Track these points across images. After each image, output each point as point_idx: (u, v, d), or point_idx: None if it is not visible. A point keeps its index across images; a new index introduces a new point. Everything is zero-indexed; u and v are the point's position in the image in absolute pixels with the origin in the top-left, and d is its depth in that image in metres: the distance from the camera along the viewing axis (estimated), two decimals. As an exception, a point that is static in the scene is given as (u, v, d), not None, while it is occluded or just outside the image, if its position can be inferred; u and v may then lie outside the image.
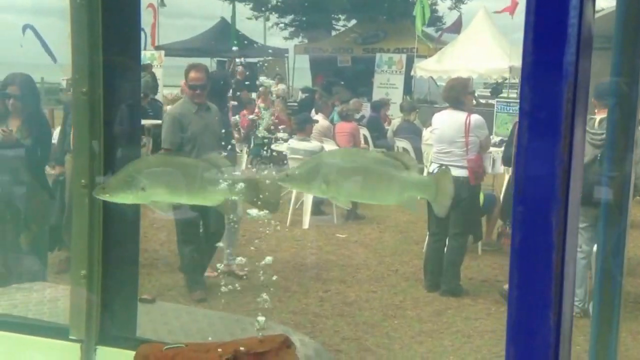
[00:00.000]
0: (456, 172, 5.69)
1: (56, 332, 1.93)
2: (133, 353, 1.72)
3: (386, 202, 1.79)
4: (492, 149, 8.04)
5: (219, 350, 1.43)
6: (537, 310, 0.87)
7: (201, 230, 5.53)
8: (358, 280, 6.32)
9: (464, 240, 6.20)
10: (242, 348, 1.45)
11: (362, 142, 10.68)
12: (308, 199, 7.77)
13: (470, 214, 6.26)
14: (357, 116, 11.35)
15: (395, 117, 12.53)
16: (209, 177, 1.78)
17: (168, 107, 7.95)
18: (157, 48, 18.27)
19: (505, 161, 7.35)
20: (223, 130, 5.55)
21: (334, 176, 1.73)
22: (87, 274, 1.81)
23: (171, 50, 18.35)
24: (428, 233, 6.42)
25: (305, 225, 7.79)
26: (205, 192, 1.81)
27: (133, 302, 2.04)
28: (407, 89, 17.87)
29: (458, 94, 6.14)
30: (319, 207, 8.25)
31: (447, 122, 6.05)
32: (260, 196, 1.72)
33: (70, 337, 1.88)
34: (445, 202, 1.73)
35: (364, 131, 11.02)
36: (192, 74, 5.47)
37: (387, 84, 17.66)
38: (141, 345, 1.49)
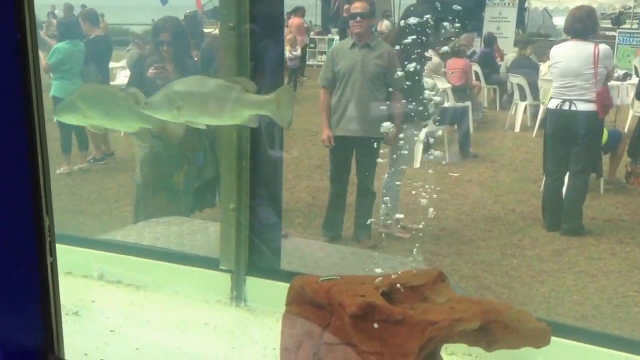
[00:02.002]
0: (582, 106, 5.42)
1: (206, 262, 2.01)
2: (279, 284, 1.77)
3: (231, 121, 1.94)
4: (613, 82, 7.59)
5: (375, 282, 1.44)
6: None
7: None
8: (473, 219, 6.22)
9: (586, 178, 5.95)
10: (397, 281, 1.45)
11: (474, 78, 10.35)
12: (419, 138, 7.64)
13: (594, 151, 5.98)
14: (469, 52, 10.96)
15: (508, 52, 12.00)
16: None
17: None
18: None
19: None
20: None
21: (182, 102, 1.92)
22: (236, 207, 1.86)
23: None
24: (544, 173, 6.20)
25: (417, 164, 7.70)
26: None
27: (277, 236, 2.09)
28: (520, 22, 17.02)
29: (583, 24, 5.77)
30: (431, 146, 8.12)
31: (571, 54, 5.71)
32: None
33: (220, 267, 1.95)
34: (287, 116, 1.86)
35: (475, 67, 10.66)
36: (354, 4, 5.39)
37: (499, 18, 16.86)
38: (295, 277, 1.51)
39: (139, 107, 1.97)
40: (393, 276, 1.46)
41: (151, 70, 4.09)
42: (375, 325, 1.32)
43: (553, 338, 1.37)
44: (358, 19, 5.21)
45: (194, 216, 4.33)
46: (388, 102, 5.24)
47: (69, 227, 5.53)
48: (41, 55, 8.11)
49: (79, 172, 7.61)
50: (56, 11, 12.99)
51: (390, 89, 5.20)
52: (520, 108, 9.72)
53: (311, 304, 1.45)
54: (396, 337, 1.32)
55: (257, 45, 1.76)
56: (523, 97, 9.74)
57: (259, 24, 1.75)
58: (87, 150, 7.81)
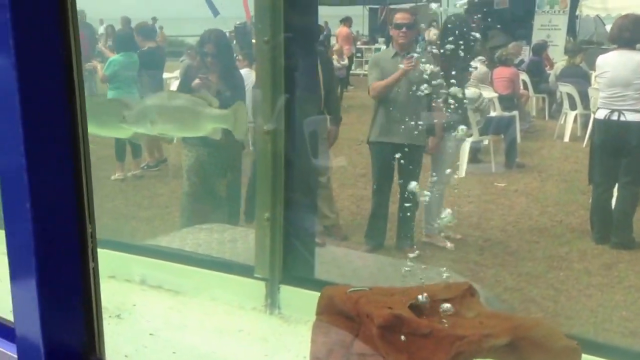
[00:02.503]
0: (633, 116, 5.29)
1: (242, 270, 2.05)
2: (313, 293, 1.79)
3: (198, 133, 2.24)
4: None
5: (404, 294, 1.44)
6: None
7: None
8: (519, 230, 6.13)
9: (636, 189, 5.79)
10: (425, 294, 1.45)
11: (522, 87, 10.20)
12: (464, 147, 7.59)
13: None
14: (517, 61, 10.80)
15: (557, 61, 11.78)
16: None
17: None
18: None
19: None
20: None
21: (155, 116, 2.14)
22: (271, 216, 1.89)
23: (324, 1, 18.41)
24: (591, 184, 6.07)
25: (462, 173, 7.64)
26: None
27: (312, 245, 2.12)
28: (571, 30, 16.68)
29: (631, 32, 5.64)
30: (476, 155, 8.05)
31: (619, 63, 5.59)
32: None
33: (255, 275, 1.98)
34: (242, 129, 2.12)
35: (523, 76, 10.50)
36: (397, 14, 5.44)
37: (549, 26, 16.56)
38: (326, 287, 1.53)
39: (120, 120, 2.15)
40: (423, 288, 1.47)
41: (196, 81, 4.20)
42: (403, 338, 1.32)
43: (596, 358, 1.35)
44: (403, 29, 5.23)
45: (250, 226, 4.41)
46: (430, 111, 5.23)
47: (122, 231, 5.69)
48: (98, 66, 8.38)
49: (133, 178, 7.81)
50: (106, 24, 13.38)
51: (433, 98, 5.19)
52: (570, 117, 9.54)
53: (340, 314, 1.47)
54: (423, 350, 1.32)
55: (291, 58, 1.79)
56: (573, 106, 9.56)
57: (293, 37, 1.79)
58: (140, 157, 8.01)
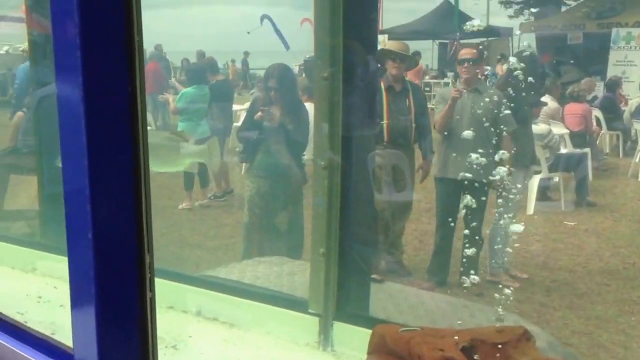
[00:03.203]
0: None
1: (296, 304, 2.05)
2: (367, 331, 1.77)
3: (177, 168, 2.43)
4: None
5: (455, 337, 1.42)
6: None
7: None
8: (589, 271, 5.90)
9: None
10: (478, 337, 1.42)
11: (594, 124, 9.92)
12: (533, 184, 7.40)
13: None
14: (589, 97, 10.52)
15: (633, 97, 11.42)
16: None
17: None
18: (382, 32, 18.51)
19: None
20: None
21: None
22: (325, 252, 1.90)
23: (394, 34, 18.50)
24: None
25: (530, 211, 7.44)
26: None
27: (367, 281, 2.10)
28: (648, 65, 16.14)
29: None
30: (544, 192, 7.83)
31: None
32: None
33: (309, 310, 1.98)
34: (216, 162, 2.35)
35: (596, 112, 10.22)
36: (462, 50, 5.46)
37: (624, 61, 16.11)
38: (378, 325, 1.52)
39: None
40: (475, 331, 1.43)
41: (258, 114, 4.29)
42: (453, 381, 1.30)
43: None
44: (465, 64, 5.21)
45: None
46: (497, 146, 5.15)
47: (187, 260, 5.80)
48: (170, 98, 8.69)
49: (200, 207, 7.96)
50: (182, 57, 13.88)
51: (500, 133, 5.12)
52: (645, 155, 9.20)
53: (392, 354, 1.45)
54: (474, 394, 1.29)
55: (350, 94, 1.81)
56: (649, 144, 9.22)
57: (352, 72, 1.81)
58: (208, 186, 8.18)
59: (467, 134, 5.13)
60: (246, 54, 19.47)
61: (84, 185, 1.10)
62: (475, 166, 5.15)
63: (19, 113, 4.79)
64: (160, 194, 7.45)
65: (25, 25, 3.62)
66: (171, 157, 2.39)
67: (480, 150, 5.25)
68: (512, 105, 5.25)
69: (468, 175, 5.18)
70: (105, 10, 1.10)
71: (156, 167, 2.36)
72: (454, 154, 5.24)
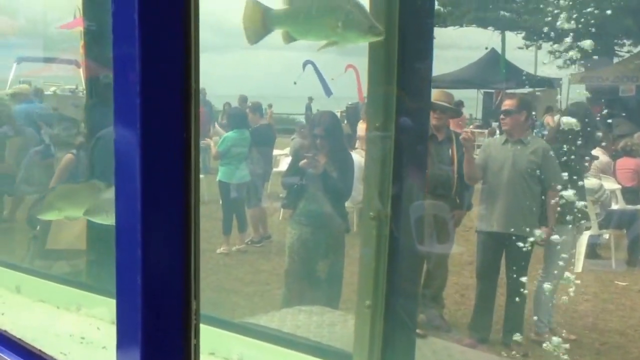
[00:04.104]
0: None
1: (340, 357, 2.00)
2: (411, 388, 1.71)
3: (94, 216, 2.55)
4: None
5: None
6: None
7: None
8: (642, 334, 5.67)
9: None
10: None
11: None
12: (582, 240, 7.20)
13: None
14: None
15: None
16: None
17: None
18: (426, 81, 18.55)
19: None
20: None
21: (62, 204, 2.59)
22: (372, 304, 1.85)
23: (439, 83, 18.56)
24: None
25: (579, 268, 7.22)
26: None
27: (412, 335, 2.04)
28: None
29: None
30: (594, 250, 7.61)
31: None
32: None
33: (352, 364, 1.93)
34: None
35: (650, 168, 9.95)
36: (505, 100, 5.42)
37: (679, 116, 15.76)
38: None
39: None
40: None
41: (303, 161, 4.30)
42: None
43: None
44: (504, 116, 5.17)
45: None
46: (543, 200, 5.04)
47: (223, 305, 5.77)
48: (212, 143, 8.81)
49: (237, 252, 7.96)
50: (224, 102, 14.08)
51: (547, 186, 5.02)
52: (702, 214, 8.88)
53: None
54: None
55: (401, 145, 1.79)
56: None
57: (405, 122, 1.79)
58: (245, 231, 8.19)
59: (508, 186, 5.05)
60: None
61: (136, 230, 1.10)
62: (517, 219, 5.05)
63: (69, 155, 4.89)
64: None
65: (82, 68, 3.73)
66: (92, 207, 2.58)
67: (523, 204, 5.15)
68: (561, 158, 5.15)
69: (510, 229, 5.07)
70: (166, 58, 1.12)
71: (80, 215, 2.59)
72: (495, 207, 5.13)
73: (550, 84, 20.07)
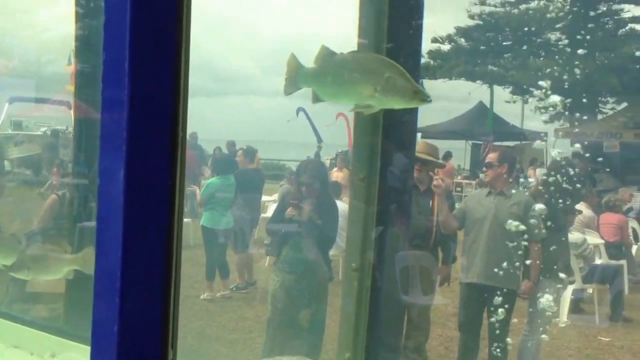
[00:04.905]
0: None
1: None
2: None
3: (57, 275, 2.78)
4: None
5: None
6: None
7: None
8: (625, 392, 5.62)
9: None
10: None
11: (631, 235, 9.73)
12: (566, 295, 7.19)
13: None
14: (625, 207, 10.38)
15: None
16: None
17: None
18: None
19: None
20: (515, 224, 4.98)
21: (31, 264, 2.78)
22: (351, 357, 1.84)
23: (427, 133, 18.73)
24: None
25: (562, 323, 7.19)
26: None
27: (393, 390, 2.02)
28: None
29: None
30: (578, 305, 7.60)
31: None
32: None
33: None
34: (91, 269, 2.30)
35: (633, 224, 10.05)
36: (490, 154, 5.53)
37: (664, 172, 15.97)
38: None
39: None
40: None
41: (288, 210, 4.33)
42: None
43: None
44: (484, 168, 5.28)
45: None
46: (525, 254, 5.06)
47: (204, 353, 5.68)
48: (197, 190, 8.79)
49: (221, 298, 7.86)
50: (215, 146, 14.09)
51: (529, 239, 5.04)
52: (684, 270, 8.92)
53: None
54: None
55: (386, 197, 1.81)
56: (688, 259, 8.97)
57: (390, 173, 1.81)
58: (228, 278, 8.08)
59: (489, 237, 5.06)
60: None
61: (115, 277, 1.10)
62: (499, 272, 5.04)
63: (53, 196, 4.88)
64: (183, 284, 7.41)
65: (72, 109, 3.76)
66: (52, 265, 2.78)
67: (505, 256, 5.14)
68: (545, 212, 5.19)
69: (492, 281, 5.05)
70: (154, 102, 1.13)
71: (42, 276, 2.74)
72: (476, 258, 5.12)
73: (535, 137, 20.32)
